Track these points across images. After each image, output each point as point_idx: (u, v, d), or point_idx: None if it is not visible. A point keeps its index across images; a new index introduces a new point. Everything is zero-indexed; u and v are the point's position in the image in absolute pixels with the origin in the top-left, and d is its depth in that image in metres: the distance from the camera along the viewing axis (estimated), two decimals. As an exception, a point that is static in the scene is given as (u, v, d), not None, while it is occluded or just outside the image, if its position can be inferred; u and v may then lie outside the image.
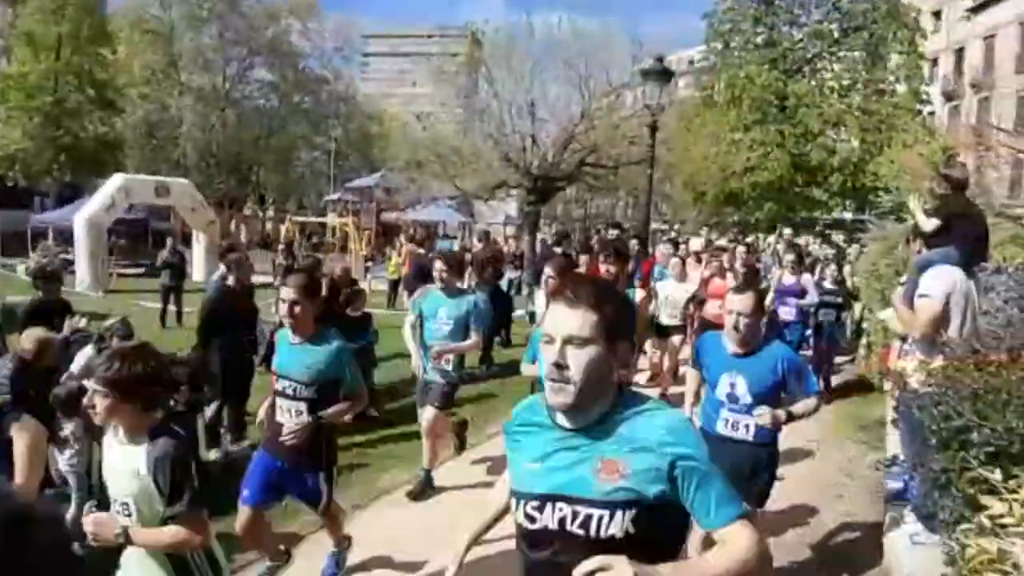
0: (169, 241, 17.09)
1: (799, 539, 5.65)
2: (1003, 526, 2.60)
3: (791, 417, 4.09)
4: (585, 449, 1.99)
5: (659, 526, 1.97)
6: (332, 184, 45.30)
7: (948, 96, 44.77)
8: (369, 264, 26.03)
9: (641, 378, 10.25)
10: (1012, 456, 3.03)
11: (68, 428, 5.55)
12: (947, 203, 5.08)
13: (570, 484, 1.98)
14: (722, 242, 18.60)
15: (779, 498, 6.19)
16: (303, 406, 4.34)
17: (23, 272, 20.38)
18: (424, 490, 6.31)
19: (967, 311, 4.63)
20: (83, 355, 5.80)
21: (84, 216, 21.21)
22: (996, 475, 2.82)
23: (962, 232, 5.00)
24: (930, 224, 5.12)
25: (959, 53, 45.25)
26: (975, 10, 43.34)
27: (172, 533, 2.91)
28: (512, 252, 20.24)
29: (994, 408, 3.17)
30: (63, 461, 5.57)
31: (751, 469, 4.16)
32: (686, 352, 8.26)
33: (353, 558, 5.03)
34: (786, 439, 7.13)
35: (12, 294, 13.37)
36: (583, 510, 1.95)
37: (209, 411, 7.29)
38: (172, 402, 6.28)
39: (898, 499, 4.96)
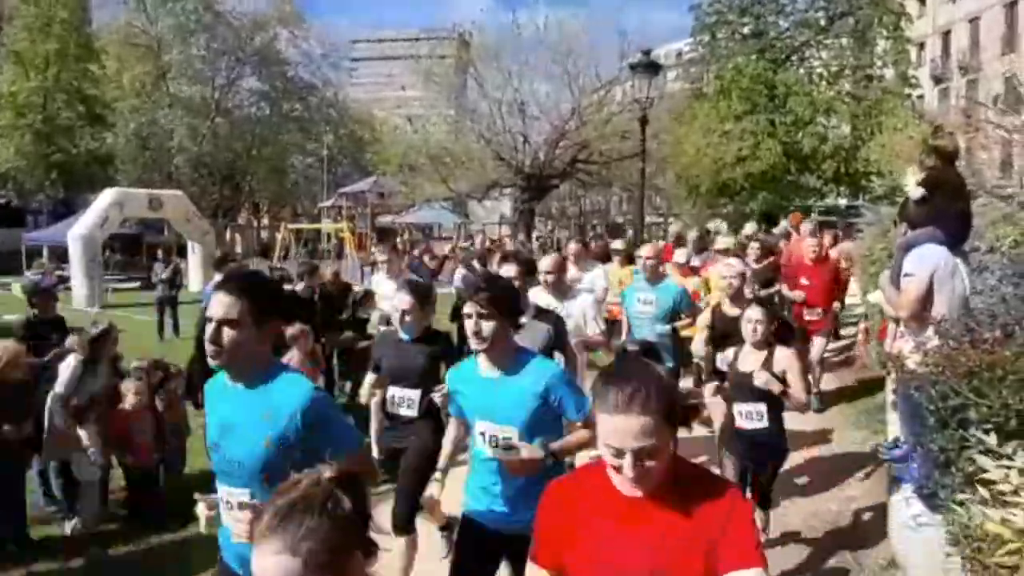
0: (159, 254, 17.10)
1: (804, 524, 5.66)
2: (1002, 493, 2.61)
3: None
4: None
5: None
6: (325, 190, 45.25)
7: (937, 79, 44.91)
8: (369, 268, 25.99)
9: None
10: (1009, 433, 3.04)
11: (83, 435, 5.56)
12: (935, 174, 5.04)
13: None
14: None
15: (784, 484, 6.23)
16: None
17: (18, 290, 20.36)
18: None
19: (954, 290, 4.62)
20: (66, 368, 5.77)
21: (78, 232, 21.20)
22: (991, 439, 2.83)
23: (946, 208, 4.96)
24: (917, 192, 5.08)
25: (945, 36, 45.38)
26: (959, -8, 43.51)
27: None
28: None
29: (990, 385, 3.18)
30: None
31: None
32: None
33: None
34: (788, 425, 7.19)
35: (7, 312, 13.37)
36: None
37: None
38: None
39: (900, 481, 4.97)
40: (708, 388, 5.09)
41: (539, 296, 5.79)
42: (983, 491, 2.70)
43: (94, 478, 5.67)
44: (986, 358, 3.29)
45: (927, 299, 4.57)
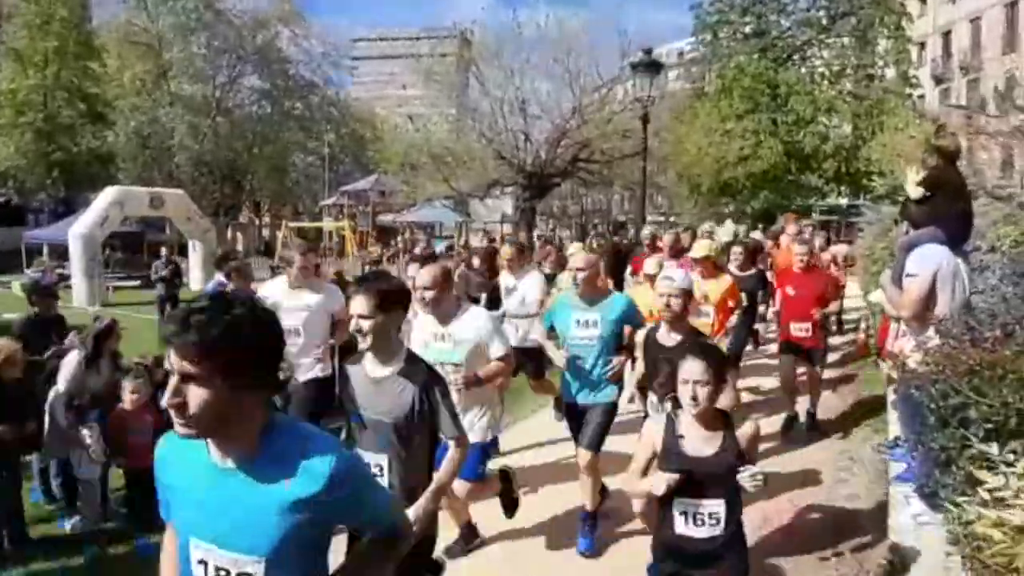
0: (163, 251, 17.10)
1: (804, 523, 5.65)
2: (1001, 499, 2.60)
3: None
4: None
5: None
6: (327, 189, 45.28)
7: (938, 79, 44.90)
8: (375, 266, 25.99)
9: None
10: (1011, 432, 3.03)
11: (85, 434, 5.56)
12: (936, 174, 5.02)
13: None
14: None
15: (784, 483, 6.23)
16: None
17: (18, 289, 20.36)
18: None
19: (955, 290, 4.62)
20: (68, 365, 5.76)
21: (78, 231, 21.21)
22: (992, 448, 2.81)
23: (948, 208, 4.95)
24: (916, 191, 5.06)
25: (946, 36, 45.38)
26: (959, -7, 43.48)
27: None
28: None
29: (991, 384, 3.17)
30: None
31: None
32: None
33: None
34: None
35: (7, 311, 13.35)
36: None
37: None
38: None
39: (901, 480, 4.96)
40: (655, 483, 3.27)
41: (421, 324, 4.79)
42: (983, 493, 2.69)
43: (94, 476, 5.67)
44: (987, 357, 3.29)
45: (929, 299, 4.57)
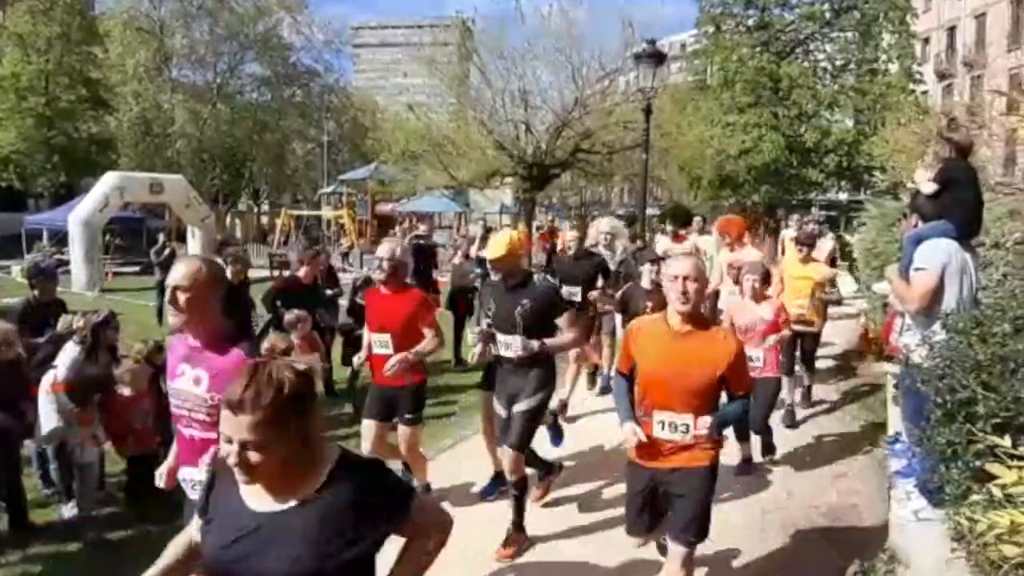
0: (160, 237, 17.02)
1: (804, 520, 5.64)
2: (1010, 496, 2.57)
3: None
4: None
5: None
6: (326, 177, 45.22)
7: (941, 75, 44.78)
8: (365, 255, 25.92)
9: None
10: (1020, 427, 3.01)
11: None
12: (948, 167, 4.96)
13: None
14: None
15: (783, 479, 6.22)
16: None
17: (18, 274, 20.31)
18: None
19: (963, 283, 4.57)
20: (67, 352, 5.71)
21: (78, 216, 21.16)
22: (1005, 441, 2.78)
23: (958, 202, 4.89)
24: (929, 187, 5.00)
25: (951, 32, 45.25)
26: (965, -12, 43.34)
27: None
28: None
29: (1001, 379, 3.15)
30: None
31: None
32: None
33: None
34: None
35: (7, 296, 13.32)
36: None
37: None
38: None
39: (902, 476, 4.94)
40: None
41: None
42: (995, 490, 2.66)
43: (94, 461, 5.64)
44: (998, 351, 3.26)
45: (937, 293, 4.53)
